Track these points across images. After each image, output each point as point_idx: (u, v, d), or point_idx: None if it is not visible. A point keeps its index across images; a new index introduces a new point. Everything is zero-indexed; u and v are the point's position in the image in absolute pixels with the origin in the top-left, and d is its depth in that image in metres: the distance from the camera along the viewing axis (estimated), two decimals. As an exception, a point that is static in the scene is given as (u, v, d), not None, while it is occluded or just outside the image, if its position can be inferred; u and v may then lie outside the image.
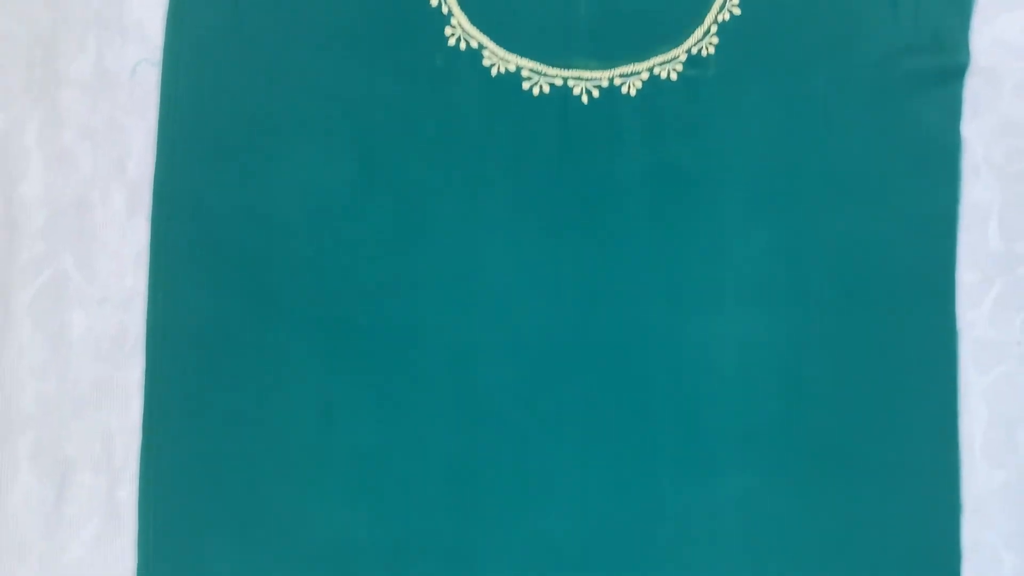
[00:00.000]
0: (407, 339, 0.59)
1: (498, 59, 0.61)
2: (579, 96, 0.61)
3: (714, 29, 0.61)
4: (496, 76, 0.61)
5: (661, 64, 0.61)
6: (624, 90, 0.61)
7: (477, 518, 0.59)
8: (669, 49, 0.61)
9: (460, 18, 0.61)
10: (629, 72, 0.61)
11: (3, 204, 0.62)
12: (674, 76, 0.61)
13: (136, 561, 0.59)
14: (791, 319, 0.60)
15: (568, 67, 0.61)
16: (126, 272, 0.62)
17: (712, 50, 0.61)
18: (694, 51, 0.61)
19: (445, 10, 0.61)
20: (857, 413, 0.59)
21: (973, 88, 0.62)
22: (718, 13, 0.61)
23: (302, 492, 0.59)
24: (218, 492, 0.59)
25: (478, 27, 0.61)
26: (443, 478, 0.59)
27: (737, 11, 0.61)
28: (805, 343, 0.59)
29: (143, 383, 0.60)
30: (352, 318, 0.59)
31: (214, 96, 0.61)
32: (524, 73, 0.61)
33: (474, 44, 0.61)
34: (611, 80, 0.61)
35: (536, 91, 0.61)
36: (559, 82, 0.61)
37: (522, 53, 0.61)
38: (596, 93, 0.61)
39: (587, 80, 0.61)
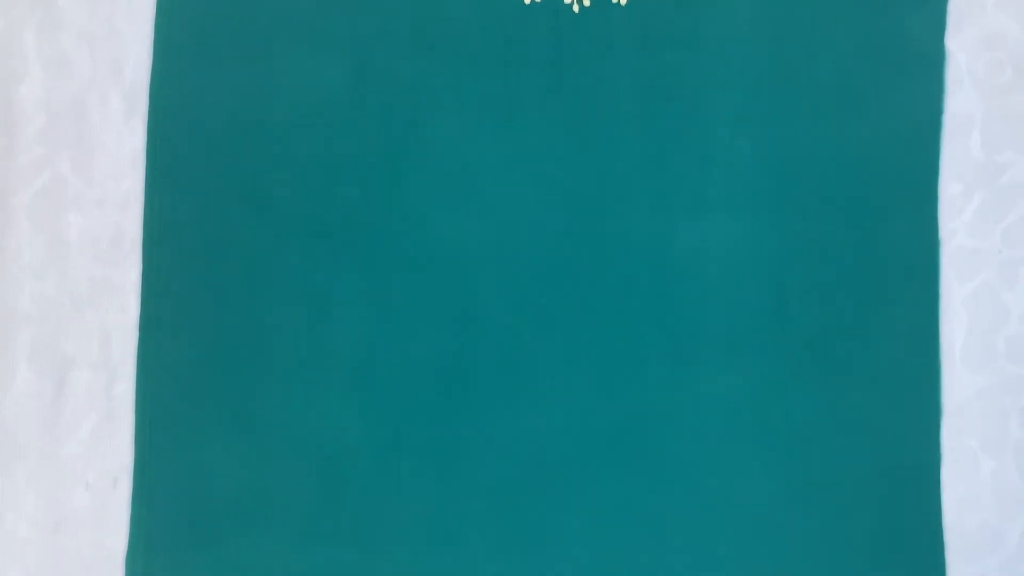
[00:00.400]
0: (400, 242, 0.60)
1: (491, -32, 0.62)
2: (570, 5, 0.61)
3: (704, -60, 0.62)
4: (489, -15, 0.62)
5: (651, -26, 0.62)
6: None
7: (466, 417, 0.60)
8: (659, -40, 0.62)
9: (453, -74, 0.62)
10: (620, -18, 0.62)
11: (2, 108, 0.63)
12: (664, -14, 0.62)
13: (133, 456, 0.61)
14: (777, 226, 0.61)
15: (560, -23, 0.62)
16: (123, 174, 0.62)
17: (701, -39, 0.62)
18: (684, -39, 0.62)
19: (439, -82, 0.62)
20: (839, 319, 0.61)
21: (957, 2, 0.63)
22: (707, -76, 0.62)
23: (295, 389, 0.60)
24: (213, 389, 0.60)
25: (471, -65, 0.62)
26: (433, 377, 0.60)
27: (726, -78, 0.62)
28: (790, 249, 0.61)
29: (140, 282, 0.61)
30: (345, 221, 0.60)
31: (209, 1, 0.61)
32: (516, -18, 0.62)
33: (467, -48, 0.62)
34: (602, -10, 0.62)
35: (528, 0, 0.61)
36: (551, -9, 0.62)
37: (514, -37, 0.62)
38: (587, 2, 0.61)
39: (578, -10, 0.62)
